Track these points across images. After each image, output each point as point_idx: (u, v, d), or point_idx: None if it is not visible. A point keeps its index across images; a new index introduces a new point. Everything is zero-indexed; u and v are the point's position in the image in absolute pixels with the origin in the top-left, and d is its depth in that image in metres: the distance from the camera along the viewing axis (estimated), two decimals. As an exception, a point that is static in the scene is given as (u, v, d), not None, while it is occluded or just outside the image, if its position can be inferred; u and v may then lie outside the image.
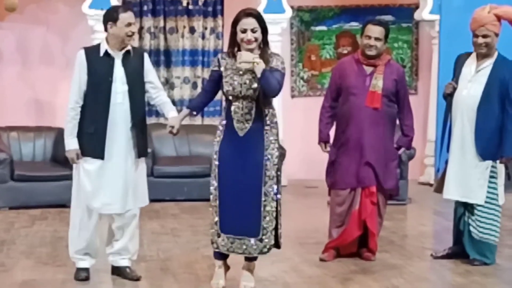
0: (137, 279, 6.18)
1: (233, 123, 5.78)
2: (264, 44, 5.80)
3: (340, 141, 6.77)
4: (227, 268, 6.06)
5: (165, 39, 11.35)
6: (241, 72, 5.74)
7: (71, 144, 5.98)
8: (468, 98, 6.57)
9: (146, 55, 6.18)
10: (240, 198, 5.75)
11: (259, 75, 5.62)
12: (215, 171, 5.83)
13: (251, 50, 5.73)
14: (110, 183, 5.98)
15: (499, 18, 6.51)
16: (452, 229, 6.97)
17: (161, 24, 11.32)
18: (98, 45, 6.07)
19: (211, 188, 5.84)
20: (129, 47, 6.03)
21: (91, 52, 6.02)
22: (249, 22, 5.70)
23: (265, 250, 5.80)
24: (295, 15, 11.49)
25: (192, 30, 11.35)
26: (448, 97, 6.72)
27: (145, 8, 11.27)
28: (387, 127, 6.71)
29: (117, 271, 6.25)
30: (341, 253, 6.87)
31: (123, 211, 6.08)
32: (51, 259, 6.74)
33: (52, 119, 10.49)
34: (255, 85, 5.71)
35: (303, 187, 10.79)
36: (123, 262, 6.23)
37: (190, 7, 11.08)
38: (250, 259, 5.96)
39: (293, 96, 11.68)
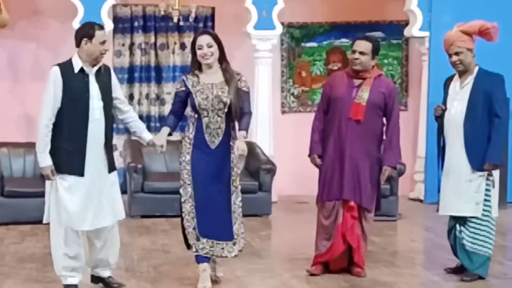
0: (119, 287, 6.29)
1: (204, 136, 6.23)
2: (223, 61, 6.32)
3: (326, 152, 6.77)
4: (211, 270, 6.44)
5: (156, 55, 11.38)
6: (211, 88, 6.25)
7: (47, 160, 5.98)
8: (456, 116, 6.66)
9: (112, 71, 6.30)
10: (214, 206, 6.23)
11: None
12: (189, 181, 6.23)
13: (209, 65, 6.25)
14: (90, 199, 6.03)
15: (466, 33, 6.61)
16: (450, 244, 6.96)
17: (152, 40, 11.35)
18: (70, 61, 6.06)
19: (185, 196, 6.24)
20: (100, 64, 6.10)
21: (65, 68, 6.02)
22: (204, 39, 6.24)
23: (237, 253, 6.37)
24: (286, 32, 11.52)
25: (182, 46, 11.38)
26: (438, 119, 6.79)
27: (136, 24, 11.30)
28: (371, 140, 6.69)
29: (97, 280, 6.35)
30: (331, 268, 6.87)
31: (108, 225, 6.16)
32: (41, 276, 6.72)
33: (43, 135, 10.46)
34: (225, 99, 6.20)
35: (294, 202, 10.78)
36: (105, 273, 6.33)
37: (181, 23, 11.11)
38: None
39: (283, 112, 11.70)
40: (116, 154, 11.20)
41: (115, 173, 6.22)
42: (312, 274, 6.80)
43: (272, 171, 9.91)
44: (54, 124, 5.96)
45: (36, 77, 10.99)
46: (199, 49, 6.22)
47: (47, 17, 11.09)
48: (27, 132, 10.91)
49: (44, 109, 5.97)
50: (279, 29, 10.68)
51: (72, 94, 5.95)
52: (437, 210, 6.89)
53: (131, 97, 11.43)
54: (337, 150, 6.67)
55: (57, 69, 6.00)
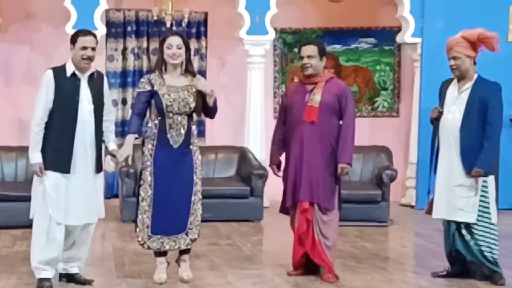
0: (89, 282, 6.47)
1: (167, 136, 6.44)
2: (188, 64, 6.55)
3: (287, 158, 6.95)
4: (167, 263, 6.69)
5: (149, 59, 11.40)
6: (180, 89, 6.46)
7: (36, 158, 6.23)
8: (453, 121, 6.73)
9: (105, 78, 6.52)
10: (174, 201, 6.46)
11: (211, 104, 6.51)
12: (150, 181, 6.47)
13: (175, 67, 6.47)
14: (75, 195, 6.24)
15: (467, 40, 6.70)
16: (444, 250, 6.95)
17: (145, 45, 11.37)
18: (64, 66, 6.31)
19: (144, 195, 6.49)
20: (93, 69, 6.31)
21: (58, 72, 6.27)
22: (174, 39, 6.45)
23: (190, 242, 6.57)
24: (278, 37, 11.55)
25: (175, 51, 11.37)
26: (434, 121, 6.85)
27: (128, 29, 11.32)
28: (327, 141, 6.79)
29: (66, 277, 6.53)
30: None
31: (92, 222, 6.39)
32: (32, 279, 6.70)
33: (35, 139, 10.45)
34: (191, 103, 6.45)
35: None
36: (73, 269, 6.52)
37: (174, 28, 11.12)
38: (185, 252, 6.66)
39: (276, 118, 11.68)
40: (107, 159, 11.22)
41: (101, 174, 6.47)
42: (289, 274, 6.98)
43: (264, 176, 9.92)
44: (46, 124, 6.20)
45: (28, 81, 10.99)
46: (168, 48, 6.43)
47: (40, 21, 11.09)
48: (19, 136, 10.90)
49: (37, 109, 6.23)
50: (272, 34, 10.70)
51: (63, 97, 6.20)
52: (427, 212, 6.93)
53: (123, 102, 11.44)
54: (297, 155, 6.83)
55: (50, 73, 6.27)
